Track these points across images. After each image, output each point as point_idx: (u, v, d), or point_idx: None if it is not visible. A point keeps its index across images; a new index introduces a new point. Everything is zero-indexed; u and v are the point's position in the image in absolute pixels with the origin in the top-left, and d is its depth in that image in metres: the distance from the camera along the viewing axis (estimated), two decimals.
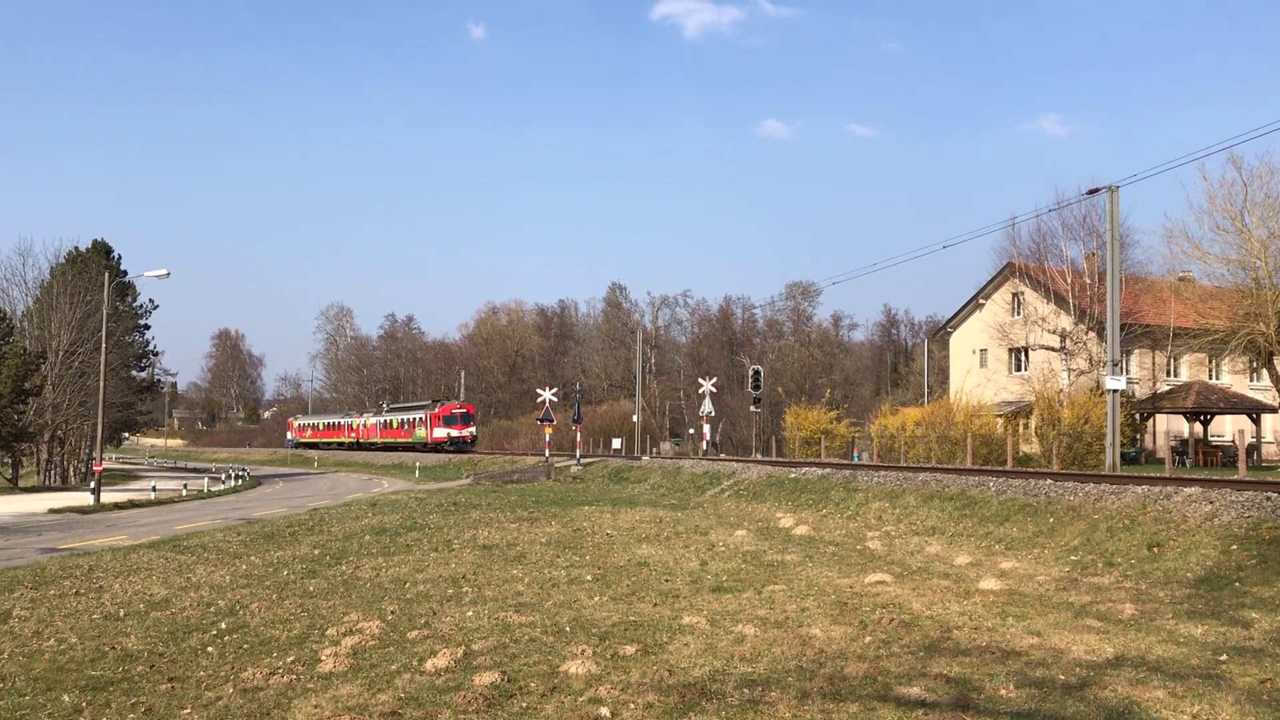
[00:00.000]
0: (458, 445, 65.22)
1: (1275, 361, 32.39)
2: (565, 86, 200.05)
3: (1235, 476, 20.73)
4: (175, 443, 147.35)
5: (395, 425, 73.93)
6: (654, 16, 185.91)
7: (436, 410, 67.89)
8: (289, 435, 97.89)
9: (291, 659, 8.92)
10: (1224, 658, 8.19)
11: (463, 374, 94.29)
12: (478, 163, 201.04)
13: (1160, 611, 10.15)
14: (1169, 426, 41.56)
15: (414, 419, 70.65)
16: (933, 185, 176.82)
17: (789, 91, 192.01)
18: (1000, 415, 42.26)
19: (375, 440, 76.64)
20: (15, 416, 46.46)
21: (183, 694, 7.98)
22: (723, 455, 47.29)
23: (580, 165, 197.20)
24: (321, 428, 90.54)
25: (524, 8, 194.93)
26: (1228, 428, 41.74)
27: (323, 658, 8.82)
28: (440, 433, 65.57)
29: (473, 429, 67.54)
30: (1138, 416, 40.35)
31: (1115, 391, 27.77)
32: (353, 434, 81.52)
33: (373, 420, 78.62)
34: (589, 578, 13.08)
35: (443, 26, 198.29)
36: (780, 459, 40.13)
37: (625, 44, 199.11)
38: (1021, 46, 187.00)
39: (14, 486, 49.89)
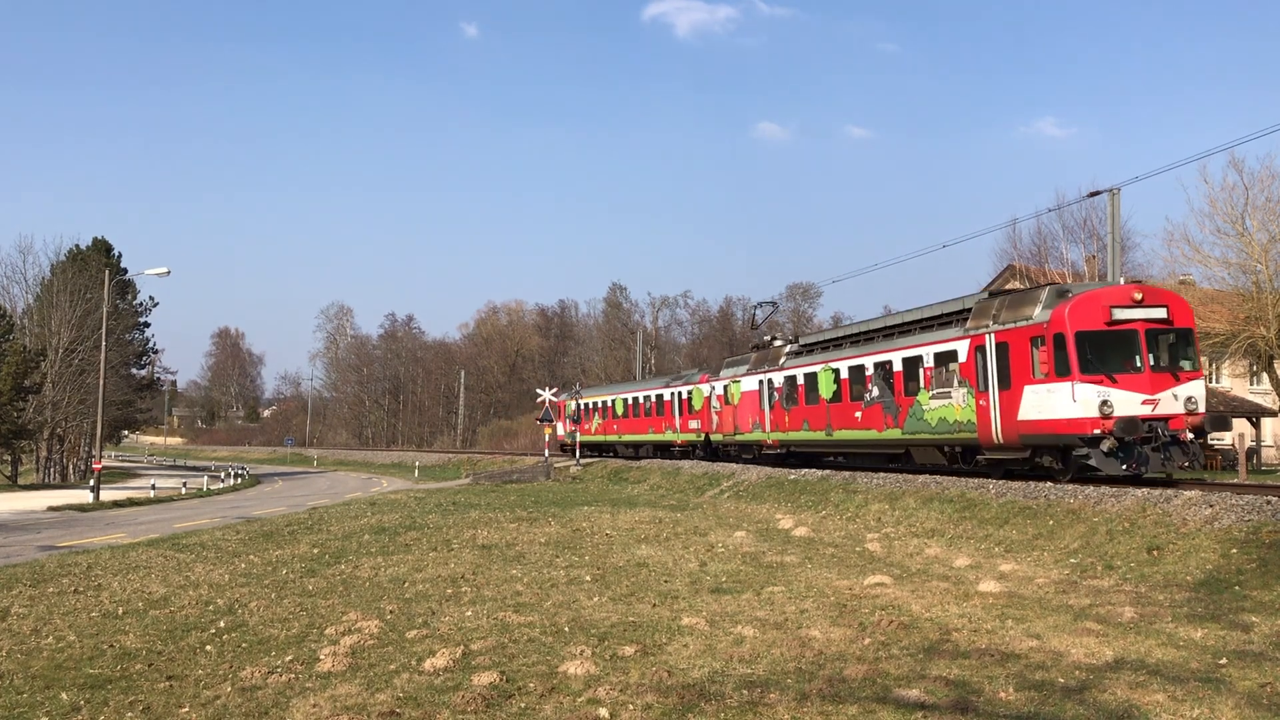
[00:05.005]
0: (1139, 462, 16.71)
1: (1276, 365, 32.38)
2: (560, 86, 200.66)
3: (1235, 480, 20.71)
4: (175, 441, 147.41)
5: (838, 389, 24.94)
6: (644, 17, 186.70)
7: (1056, 315, 17.24)
8: (561, 429, 49.82)
9: (290, 658, 8.91)
10: (1224, 661, 8.17)
11: (463, 374, 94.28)
12: (477, 162, 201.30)
13: (1160, 615, 10.13)
14: None
15: (902, 360, 22.04)
16: (931, 187, 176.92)
17: (784, 93, 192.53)
18: None
19: (749, 436, 30.71)
20: (15, 414, 46.47)
21: (181, 692, 7.97)
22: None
23: (580, 164, 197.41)
24: (620, 410, 44.58)
25: (514, 6, 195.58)
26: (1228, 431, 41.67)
27: (321, 657, 8.81)
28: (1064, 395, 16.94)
29: (1194, 394, 17.11)
30: None
31: None
32: (695, 418, 36.34)
33: (750, 380, 30.56)
34: (588, 578, 13.06)
35: (436, 25, 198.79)
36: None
37: (618, 43, 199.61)
38: (1016, 48, 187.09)
39: (13, 484, 49.88)
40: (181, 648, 9.58)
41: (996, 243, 53.67)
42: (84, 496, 35.71)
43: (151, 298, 68.23)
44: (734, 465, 32.01)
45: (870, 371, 23.39)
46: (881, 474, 23.45)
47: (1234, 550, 12.57)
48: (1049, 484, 18.10)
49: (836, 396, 24.92)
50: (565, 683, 7.81)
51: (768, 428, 28.89)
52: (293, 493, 44.32)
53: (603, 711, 7.00)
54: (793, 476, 25.89)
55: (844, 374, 24.63)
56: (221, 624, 10.62)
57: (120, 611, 11.50)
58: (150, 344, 69.75)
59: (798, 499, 23.44)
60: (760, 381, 29.37)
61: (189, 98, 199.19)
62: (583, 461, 43.49)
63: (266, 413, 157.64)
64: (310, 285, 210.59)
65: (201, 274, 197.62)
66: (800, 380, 26.92)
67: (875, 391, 23.11)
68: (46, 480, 54.88)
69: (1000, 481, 19.36)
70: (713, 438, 34.01)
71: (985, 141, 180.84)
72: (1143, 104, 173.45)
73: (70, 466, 60.59)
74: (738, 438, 31.57)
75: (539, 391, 47.90)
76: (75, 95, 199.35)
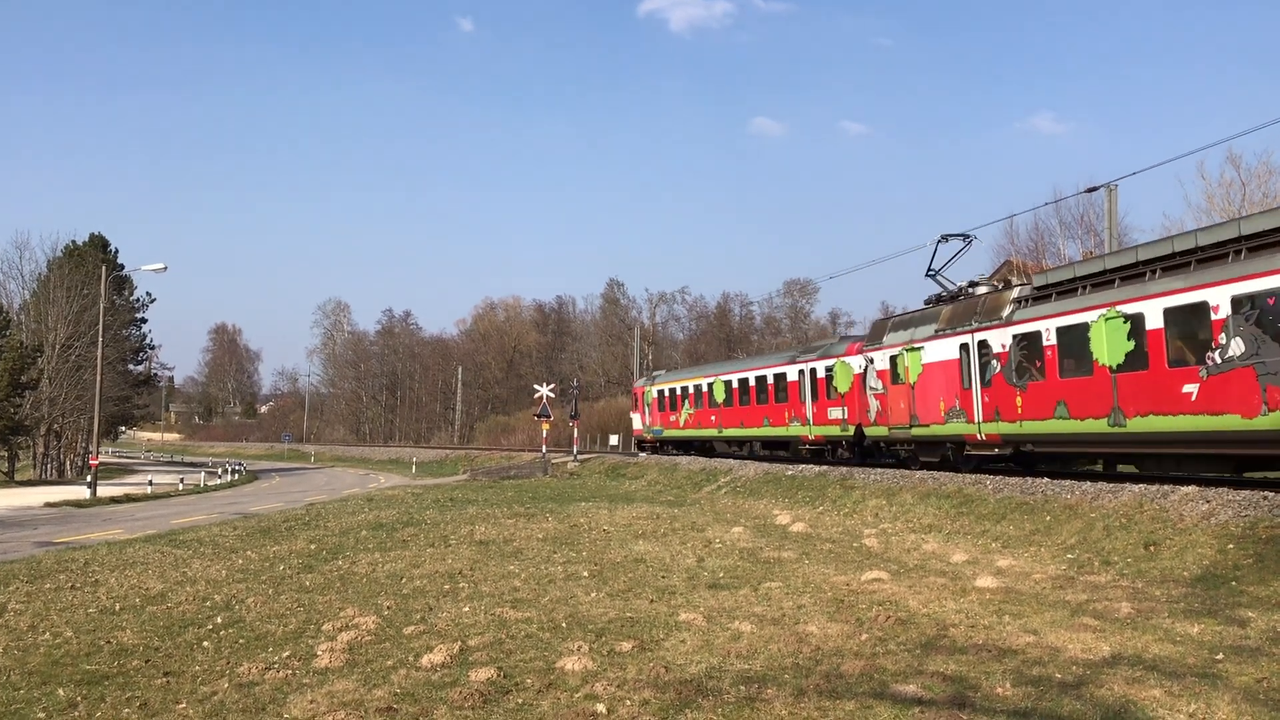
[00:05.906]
0: None
1: None
2: (555, 82, 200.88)
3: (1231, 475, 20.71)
4: (172, 437, 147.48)
5: (1139, 349, 15.31)
6: (640, 13, 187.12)
7: None
8: (637, 421, 43.08)
9: (287, 654, 8.91)
10: (1220, 656, 8.18)
11: (460, 370, 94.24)
12: (473, 157, 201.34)
13: (1157, 610, 10.15)
14: None
15: None
16: (927, 182, 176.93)
17: (779, 89, 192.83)
18: None
19: (942, 428, 20.62)
20: (12, 410, 46.42)
21: (178, 688, 7.96)
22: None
23: (576, 160, 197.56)
24: (721, 397, 33.93)
25: (509, 2, 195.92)
26: None
27: (318, 653, 8.80)
28: None
29: None
30: None
31: None
32: (838, 405, 26.45)
33: (941, 345, 20.43)
34: (585, 574, 13.06)
35: (432, 20, 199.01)
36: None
37: (613, 38, 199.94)
38: (1013, 43, 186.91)
39: (10, 480, 49.86)
40: (179, 644, 9.57)
41: (994, 238, 53.73)
42: (81, 492, 35.69)
43: (148, 293, 68.56)
44: (731, 461, 31.97)
45: (1221, 313, 13.68)
46: (879, 469, 23.45)
47: (1230, 546, 12.59)
48: (1045, 480, 18.12)
49: (1134, 361, 15.50)
50: (562, 678, 7.81)
51: (978, 415, 19.45)
52: (290, 489, 44.31)
53: (600, 707, 7.00)
54: (790, 472, 25.91)
55: (1151, 322, 15.02)
56: (219, 620, 10.61)
57: (117, 608, 11.50)
58: (147, 340, 69.81)
59: (795, 495, 23.46)
60: (962, 346, 19.83)
61: (185, 94, 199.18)
62: (580, 457, 43.52)
63: (264, 409, 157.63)
64: (307, 281, 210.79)
65: (199, 270, 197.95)
66: (1049, 339, 17.38)
67: (1237, 348, 13.50)
68: (43, 476, 54.85)
69: (997, 477, 19.36)
70: (868, 432, 24.20)
71: (982, 137, 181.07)
72: (1141, 99, 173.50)
73: (67, 462, 60.56)
74: (916, 431, 21.65)
75: (536, 388, 47.95)
76: (74, 93, 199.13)
